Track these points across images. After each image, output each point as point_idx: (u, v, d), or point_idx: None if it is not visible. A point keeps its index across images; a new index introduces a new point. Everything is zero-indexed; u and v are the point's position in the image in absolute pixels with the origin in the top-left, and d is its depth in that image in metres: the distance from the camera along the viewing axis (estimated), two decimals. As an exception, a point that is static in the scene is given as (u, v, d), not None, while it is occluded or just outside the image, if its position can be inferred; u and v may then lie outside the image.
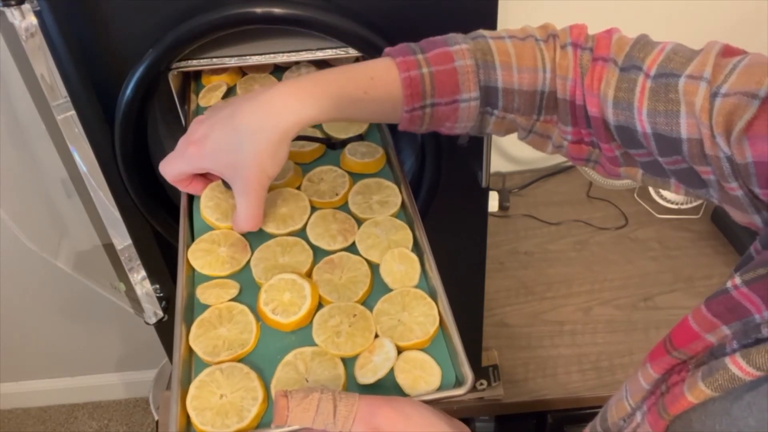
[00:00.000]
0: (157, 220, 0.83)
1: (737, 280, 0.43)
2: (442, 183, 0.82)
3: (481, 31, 0.55)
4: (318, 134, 0.77)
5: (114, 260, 0.84)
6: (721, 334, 0.45)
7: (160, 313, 0.88)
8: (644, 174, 0.54)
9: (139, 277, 0.84)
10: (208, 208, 0.63)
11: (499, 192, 1.37)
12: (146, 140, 0.77)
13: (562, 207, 1.37)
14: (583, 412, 1.04)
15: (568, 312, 1.15)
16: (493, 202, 1.34)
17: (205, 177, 0.63)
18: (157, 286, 0.87)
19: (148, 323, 0.89)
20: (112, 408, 1.93)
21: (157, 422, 1.25)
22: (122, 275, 0.85)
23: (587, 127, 0.54)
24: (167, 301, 0.88)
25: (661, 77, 0.48)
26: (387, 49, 0.55)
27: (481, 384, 1.04)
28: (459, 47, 0.53)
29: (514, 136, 0.60)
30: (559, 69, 0.53)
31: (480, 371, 1.05)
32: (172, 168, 0.58)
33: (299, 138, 0.75)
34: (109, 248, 0.82)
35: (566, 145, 0.56)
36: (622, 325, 1.12)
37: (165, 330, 0.92)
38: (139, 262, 0.83)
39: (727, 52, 0.46)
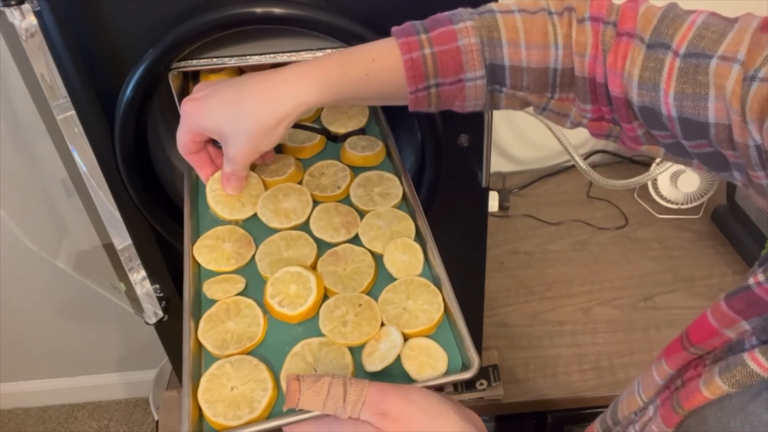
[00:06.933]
0: (157, 220, 0.82)
1: (760, 276, 0.42)
2: (442, 183, 0.82)
3: (491, 5, 0.54)
4: (324, 135, 0.78)
5: (114, 260, 0.84)
6: (740, 329, 0.44)
7: (160, 313, 0.88)
8: (666, 153, 0.52)
9: (139, 277, 0.84)
10: (212, 197, 0.65)
11: (499, 192, 1.37)
12: (146, 140, 0.77)
13: (562, 207, 1.37)
14: (583, 412, 1.04)
15: (568, 312, 1.15)
16: (493, 202, 1.34)
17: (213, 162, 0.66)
18: (157, 286, 0.87)
19: (148, 323, 0.89)
20: (112, 408, 1.93)
21: (157, 422, 1.25)
22: (122, 275, 0.85)
23: (608, 105, 0.52)
24: (167, 301, 0.88)
25: (690, 57, 0.44)
26: (393, 29, 0.54)
27: (481, 384, 1.04)
28: (464, 25, 0.52)
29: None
30: (576, 45, 0.50)
31: (480, 371, 1.05)
32: (179, 132, 0.61)
33: (297, 126, 0.76)
34: (109, 248, 0.82)
35: (586, 123, 0.55)
36: (622, 325, 1.12)
37: (165, 330, 0.92)
38: (139, 262, 0.83)
39: (767, 26, 0.42)
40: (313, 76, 0.53)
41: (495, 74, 0.52)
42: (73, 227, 1.30)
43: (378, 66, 0.53)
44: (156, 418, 1.38)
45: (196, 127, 0.59)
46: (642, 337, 1.10)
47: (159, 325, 0.90)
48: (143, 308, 0.87)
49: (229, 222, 0.66)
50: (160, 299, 0.87)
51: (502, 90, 0.54)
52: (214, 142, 0.64)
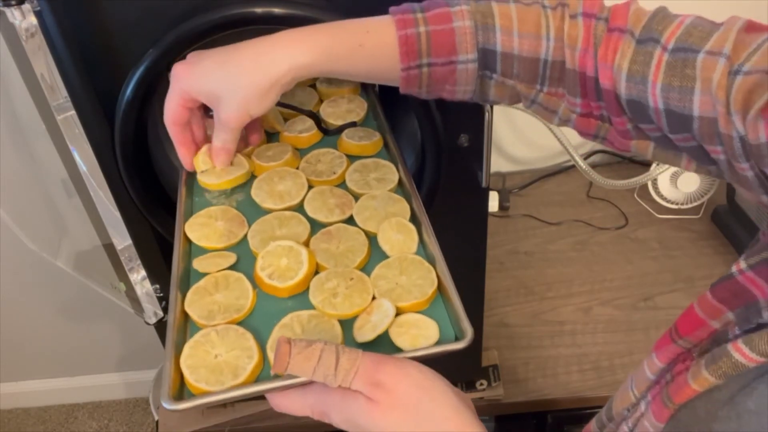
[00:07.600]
0: (157, 220, 0.82)
1: (742, 264, 0.43)
2: (442, 183, 0.82)
3: None
4: (313, 120, 0.77)
5: (114, 260, 0.84)
6: (725, 320, 0.45)
7: (160, 313, 0.88)
8: (656, 148, 0.53)
9: (139, 277, 0.84)
10: (202, 173, 0.66)
11: (499, 192, 1.37)
12: (146, 140, 0.77)
13: (562, 207, 1.37)
14: (583, 412, 1.04)
15: (568, 312, 1.15)
16: (493, 202, 1.34)
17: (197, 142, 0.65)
18: (157, 286, 0.87)
19: (148, 323, 0.89)
20: (112, 408, 1.93)
21: (157, 422, 1.25)
22: (122, 275, 0.85)
23: (597, 100, 0.53)
24: (167, 301, 0.88)
25: (679, 51, 0.46)
26: (391, 9, 0.55)
27: (481, 384, 1.04)
28: (459, 8, 0.53)
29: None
30: (568, 39, 0.52)
31: (480, 371, 1.05)
32: (167, 97, 0.59)
33: (287, 106, 0.76)
34: (109, 248, 0.82)
35: (574, 119, 0.55)
36: (622, 325, 1.12)
37: (165, 330, 0.92)
38: (139, 262, 0.83)
39: (751, 27, 0.45)
40: (307, 40, 0.53)
41: (486, 59, 0.53)
42: (73, 227, 1.30)
43: (372, 39, 0.53)
44: (156, 418, 1.38)
45: (188, 91, 0.57)
46: (642, 337, 1.10)
47: (159, 325, 0.90)
48: (143, 308, 0.87)
49: (215, 192, 0.67)
50: (160, 299, 0.87)
51: (492, 77, 0.54)
52: (206, 112, 0.63)
